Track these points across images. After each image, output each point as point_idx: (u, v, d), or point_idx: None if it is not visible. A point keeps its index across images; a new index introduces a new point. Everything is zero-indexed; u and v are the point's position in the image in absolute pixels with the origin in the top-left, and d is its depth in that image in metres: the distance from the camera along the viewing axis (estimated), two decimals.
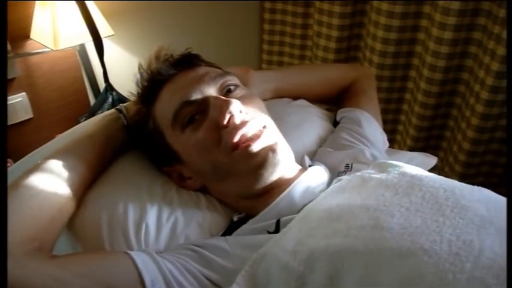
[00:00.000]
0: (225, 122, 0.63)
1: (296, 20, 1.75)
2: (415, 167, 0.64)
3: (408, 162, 0.88)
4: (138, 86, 0.72)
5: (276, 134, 0.69)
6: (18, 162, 0.78)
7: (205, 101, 0.66)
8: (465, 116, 1.40)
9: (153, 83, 0.71)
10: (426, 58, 1.40)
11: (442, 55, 1.35)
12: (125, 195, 0.67)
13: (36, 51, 1.35)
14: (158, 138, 0.70)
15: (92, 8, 1.31)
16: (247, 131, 0.63)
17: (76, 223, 0.66)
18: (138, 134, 0.73)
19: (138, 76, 0.72)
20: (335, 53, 1.64)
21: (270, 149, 0.64)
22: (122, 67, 1.62)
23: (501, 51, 1.20)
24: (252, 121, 0.65)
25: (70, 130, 0.84)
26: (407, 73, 1.55)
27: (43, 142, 0.80)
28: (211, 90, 0.68)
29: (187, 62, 0.72)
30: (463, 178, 1.45)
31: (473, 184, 0.59)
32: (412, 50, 1.49)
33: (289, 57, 1.87)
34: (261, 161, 0.63)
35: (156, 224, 0.65)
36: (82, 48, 1.45)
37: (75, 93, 1.53)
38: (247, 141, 0.63)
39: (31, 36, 1.34)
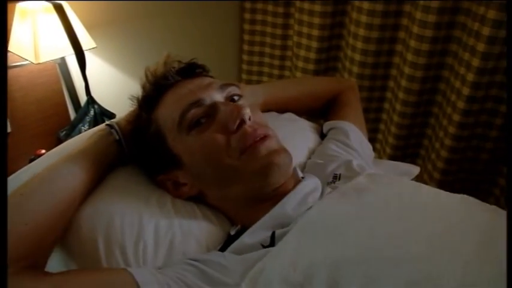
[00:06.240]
0: (235, 126, 0.65)
1: (277, 20, 1.76)
2: (399, 178, 0.68)
3: (393, 171, 0.92)
4: (143, 89, 0.74)
5: (279, 142, 0.70)
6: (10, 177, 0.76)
7: (214, 105, 0.68)
8: (443, 125, 1.45)
9: (157, 87, 0.72)
10: (407, 56, 1.43)
11: (423, 52, 1.37)
12: (121, 210, 0.66)
13: (14, 64, 1.32)
14: (159, 142, 0.69)
15: (74, 20, 1.29)
16: (255, 136, 0.65)
17: (71, 240, 0.64)
18: (136, 140, 0.73)
19: (144, 79, 0.74)
20: (317, 52, 1.66)
21: (276, 152, 0.66)
22: (103, 80, 1.60)
23: (481, 47, 1.22)
24: (259, 128, 0.67)
25: (59, 146, 0.83)
26: (388, 72, 1.57)
27: (22, 157, 0.78)
28: (219, 97, 0.70)
29: (192, 70, 0.75)
30: (442, 185, 1.49)
31: (452, 190, 0.63)
32: (393, 48, 1.51)
33: (269, 57, 1.87)
34: (269, 161, 0.64)
35: (154, 240, 0.65)
36: (62, 61, 1.43)
37: (55, 107, 1.50)
38: (255, 143, 0.65)
39: (9, 49, 1.30)
